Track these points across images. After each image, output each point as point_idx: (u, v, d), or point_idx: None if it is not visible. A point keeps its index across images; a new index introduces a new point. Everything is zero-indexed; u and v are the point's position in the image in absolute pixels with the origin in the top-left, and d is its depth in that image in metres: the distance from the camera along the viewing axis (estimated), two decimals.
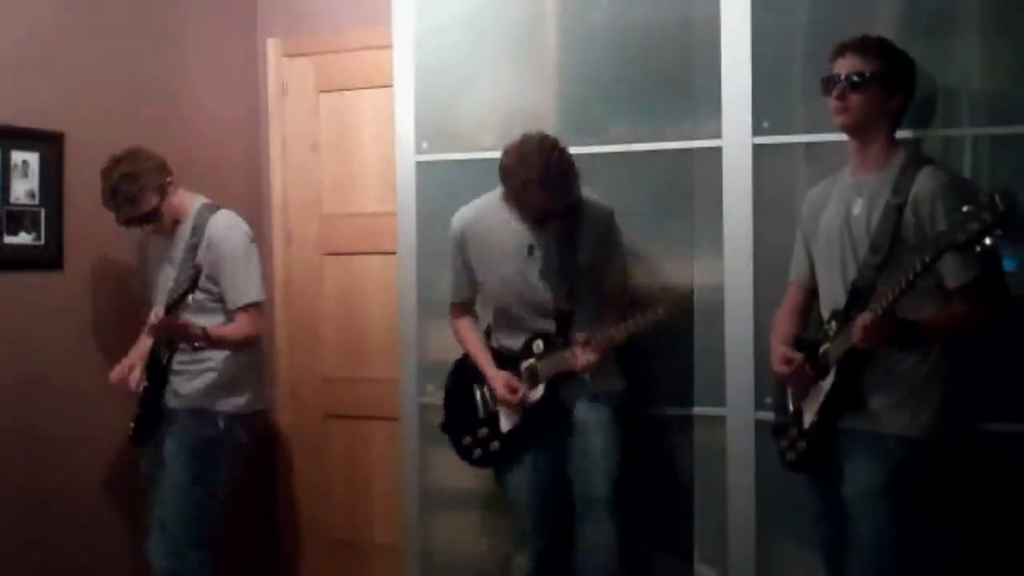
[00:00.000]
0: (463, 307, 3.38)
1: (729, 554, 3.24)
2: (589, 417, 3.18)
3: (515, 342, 3.26)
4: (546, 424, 3.22)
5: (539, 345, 3.21)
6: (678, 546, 3.36)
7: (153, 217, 3.50)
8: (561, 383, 3.20)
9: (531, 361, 3.22)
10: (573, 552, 3.21)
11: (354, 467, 4.38)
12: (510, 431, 3.25)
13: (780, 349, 2.90)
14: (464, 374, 3.36)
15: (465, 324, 3.37)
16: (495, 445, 3.27)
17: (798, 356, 2.84)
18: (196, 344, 3.45)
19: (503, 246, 3.22)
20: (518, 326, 3.25)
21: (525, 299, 3.21)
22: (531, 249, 3.18)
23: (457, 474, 3.33)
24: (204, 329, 3.43)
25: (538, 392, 3.22)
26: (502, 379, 3.22)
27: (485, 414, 3.29)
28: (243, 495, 4.25)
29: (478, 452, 3.30)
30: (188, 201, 3.60)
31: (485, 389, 3.30)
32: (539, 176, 3.03)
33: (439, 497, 3.43)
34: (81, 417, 3.68)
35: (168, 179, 3.51)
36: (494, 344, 3.33)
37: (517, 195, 3.10)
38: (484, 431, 3.28)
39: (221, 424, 3.52)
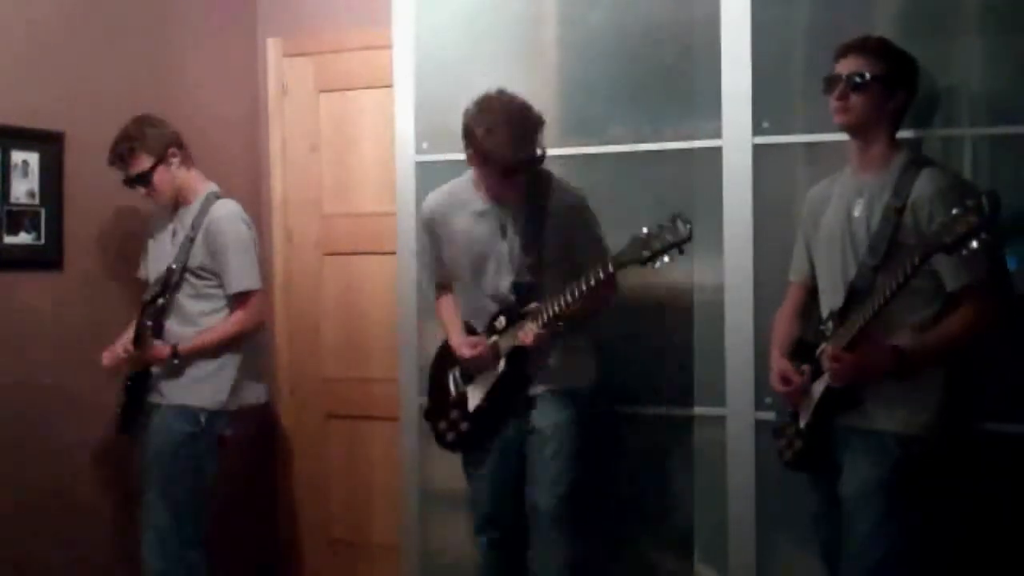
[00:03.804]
0: (445, 287, 3.35)
1: (729, 554, 3.24)
2: (544, 422, 3.13)
3: (481, 323, 3.22)
4: (510, 400, 3.16)
5: (501, 321, 3.15)
6: (678, 546, 3.36)
7: (144, 181, 3.53)
8: (523, 360, 3.13)
9: (494, 338, 3.16)
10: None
11: (354, 467, 4.38)
12: (476, 408, 3.20)
13: (780, 364, 2.90)
14: (441, 362, 3.34)
15: (445, 300, 3.35)
16: (464, 426, 3.23)
17: (797, 378, 2.84)
18: (173, 360, 3.47)
19: (473, 227, 3.18)
20: (482, 311, 3.20)
21: (492, 282, 3.16)
22: (503, 230, 3.14)
23: (457, 474, 3.33)
24: (175, 348, 3.46)
25: (499, 367, 3.15)
26: (462, 342, 3.19)
27: (456, 395, 3.26)
28: (243, 495, 4.26)
29: (451, 436, 3.26)
30: (198, 185, 3.63)
31: (456, 370, 3.27)
32: (502, 120, 3.00)
33: (439, 497, 3.43)
34: (81, 417, 3.68)
35: (172, 149, 3.56)
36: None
37: (481, 147, 3.03)
38: (455, 413, 3.25)
39: (202, 420, 3.51)
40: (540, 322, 3.02)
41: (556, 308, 2.99)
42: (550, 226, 3.12)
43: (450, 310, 3.33)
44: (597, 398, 3.21)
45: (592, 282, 2.93)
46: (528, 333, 3.03)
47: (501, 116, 3.03)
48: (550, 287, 3.06)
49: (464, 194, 3.22)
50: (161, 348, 3.46)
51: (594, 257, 3.03)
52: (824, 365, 2.73)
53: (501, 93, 3.09)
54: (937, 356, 2.67)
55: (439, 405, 3.32)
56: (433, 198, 3.30)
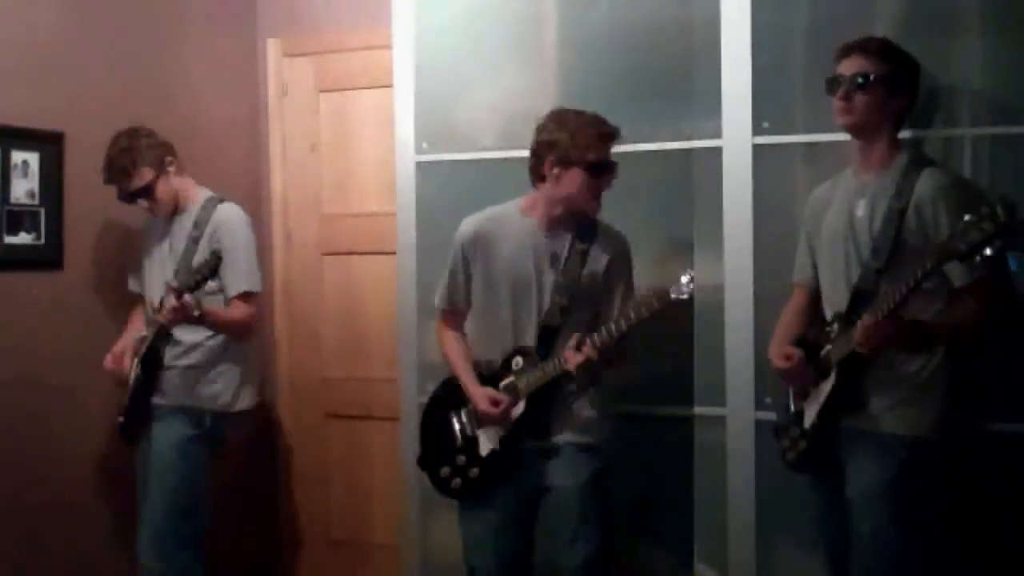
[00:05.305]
0: (454, 316, 3.23)
1: (729, 554, 3.24)
2: (567, 480, 3.02)
3: (494, 359, 3.12)
4: (524, 446, 3.07)
5: (518, 362, 3.06)
6: (678, 546, 3.36)
7: (147, 193, 3.52)
8: (544, 403, 3.05)
9: (510, 379, 3.06)
10: None
11: (354, 467, 4.38)
12: (490, 454, 3.09)
13: (780, 346, 2.90)
14: (440, 405, 3.23)
15: (454, 336, 3.22)
16: (474, 472, 3.11)
17: (797, 352, 2.84)
18: (195, 315, 3.38)
19: (522, 255, 3.08)
20: (501, 341, 3.11)
21: (526, 313, 3.08)
22: (554, 259, 3.06)
23: None
24: (200, 304, 3.40)
25: (518, 409, 3.06)
26: (484, 394, 3.07)
27: (463, 440, 3.14)
28: (243, 495, 4.26)
29: (456, 481, 3.14)
30: (194, 191, 3.64)
31: (463, 414, 3.15)
32: (585, 122, 2.97)
33: (439, 497, 3.42)
34: (81, 416, 3.69)
35: (168, 159, 3.56)
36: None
37: (568, 148, 2.96)
38: (462, 458, 3.13)
39: (207, 421, 3.53)
40: (594, 342, 2.90)
41: (607, 334, 2.91)
42: (589, 267, 3.06)
43: (458, 350, 3.19)
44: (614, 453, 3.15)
45: (644, 312, 2.89)
46: (576, 356, 2.91)
47: (582, 119, 2.99)
48: (572, 329, 3.00)
49: (512, 220, 3.11)
50: (187, 300, 3.36)
51: (623, 303, 3.01)
52: (855, 337, 2.64)
53: (569, 108, 3.06)
54: (945, 338, 2.67)
55: (439, 449, 3.19)
56: (477, 221, 3.15)
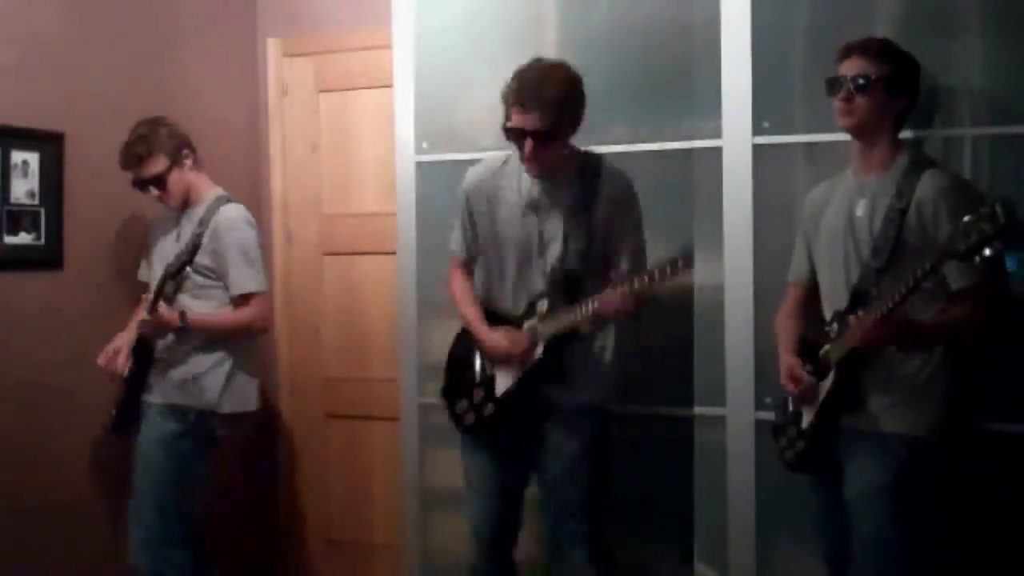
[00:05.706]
0: (464, 265, 3.24)
1: (729, 554, 3.24)
2: (566, 445, 3.05)
3: (515, 306, 3.11)
4: (541, 390, 3.07)
5: (543, 305, 3.04)
6: (678, 546, 3.36)
7: (159, 183, 3.55)
8: (561, 350, 3.04)
9: (532, 321, 3.05)
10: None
11: (354, 467, 4.38)
12: (505, 393, 3.11)
13: (789, 361, 2.89)
14: (467, 340, 3.22)
15: (461, 280, 3.23)
16: (489, 408, 3.12)
17: (807, 379, 2.83)
18: (179, 325, 3.43)
19: (510, 201, 3.09)
20: (518, 289, 3.11)
21: (530, 258, 3.07)
22: (539, 205, 3.05)
23: (457, 474, 3.32)
24: (183, 314, 3.43)
25: (537, 353, 3.04)
26: (503, 336, 3.06)
27: (482, 377, 3.15)
28: (243, 495, 4.26)
29: (471, 417, 3.15)
30: (205, 188, 3.65)
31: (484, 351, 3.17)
32: (529, 83, 2.94)
33: (439, 497, 3.44)
34: (81, 417, 3.68)
35: (184, 151, 3.59)
36: (491, 307, 3.18)
37: (509, 113, 2.97)
38: (480, 394, 3.14)
39: (190, 419, 3.51)
40: (631, 286, 2.85)
41: (640, 283, 2.85)
42: (599, 211, 3.03)
43: (467, 295, 3.20)
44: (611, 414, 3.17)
45: (669, 270, 2.83)
46: (612, 298, 2.86)
47: (529, 80, 2.96)
48: (590, 273, 3.00)
49: (510, 170, 3.12)
50: (170, 312, 3.42)
51: (633, 247, 3.02)
52: (848, 329, 2.67)
53: (540, 60, 3.03)
54: (941, 339, 2.67)
55: (459, 384, 3.21)
56: (475, 172, 3.19)
